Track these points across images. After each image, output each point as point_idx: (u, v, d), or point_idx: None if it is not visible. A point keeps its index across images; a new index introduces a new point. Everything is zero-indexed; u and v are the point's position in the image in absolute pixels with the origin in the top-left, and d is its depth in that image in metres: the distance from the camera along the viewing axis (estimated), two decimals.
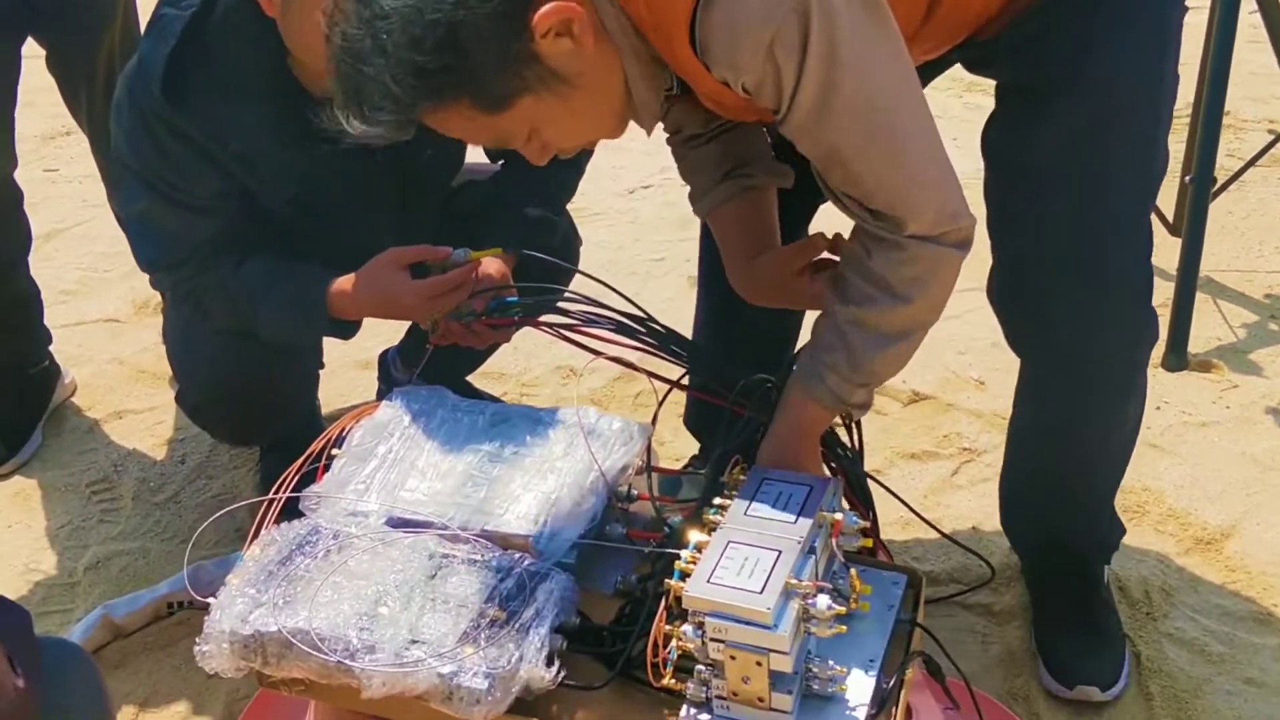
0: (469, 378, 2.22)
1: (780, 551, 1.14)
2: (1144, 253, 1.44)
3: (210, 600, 1.77)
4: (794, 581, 1.12)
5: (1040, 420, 1.57)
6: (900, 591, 1.30)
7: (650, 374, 1.50)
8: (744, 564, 1.13)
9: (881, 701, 1.17)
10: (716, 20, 1.08)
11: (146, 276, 1.78)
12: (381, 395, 2.31)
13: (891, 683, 1.19)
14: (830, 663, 1.14)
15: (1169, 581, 1.76)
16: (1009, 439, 1.66)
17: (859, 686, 1.17)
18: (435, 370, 1.73)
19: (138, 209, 1.69)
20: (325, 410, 2.20)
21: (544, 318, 1.55)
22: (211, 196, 1.66)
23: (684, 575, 1.15)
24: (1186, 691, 1.57)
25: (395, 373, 2.26)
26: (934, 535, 1.75)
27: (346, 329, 1.72)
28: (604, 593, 1.35)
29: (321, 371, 2.01)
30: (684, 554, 1.17)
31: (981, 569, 1.79)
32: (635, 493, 1.42)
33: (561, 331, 1.51)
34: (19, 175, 2.15)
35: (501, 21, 1.07)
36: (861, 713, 1.14)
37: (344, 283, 1.64)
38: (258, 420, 1.91)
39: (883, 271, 1.22)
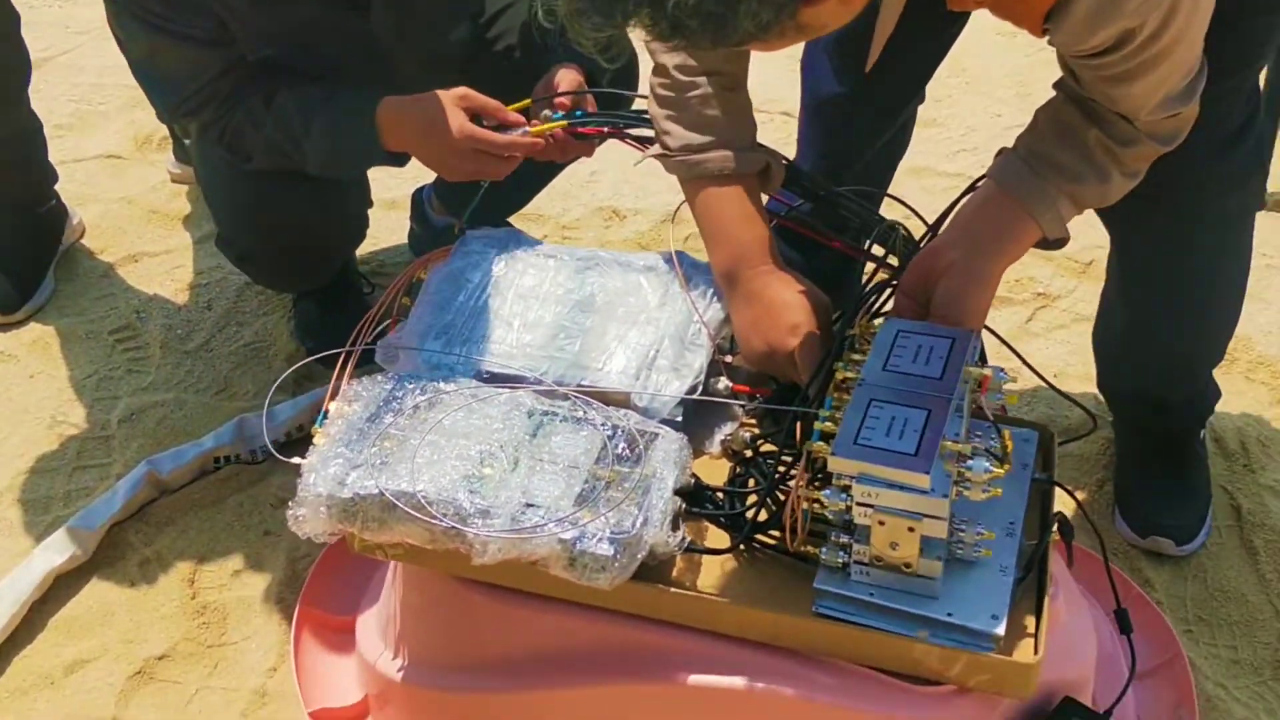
0: (511, 219, 2.09)
1: (930, 410, 1.05)
2: (1248, 94, 1.32)
3: (255, 454, 1.73)
4: (949, 443, 1.04)
5: (1146, 276, 1.47)
6: (1033, 449, 1.22)
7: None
8: (891, 424, 1.04)
9: (1028, 566, 1.11)
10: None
11: (152, 111, 1.63)
12: (415, 237, 2.18)
13: (1036, 545, 1.12)
14: (979, 528, 1.07)
15: (1264, 432, 1.70)
16: (1108, 295, 1.56)
17: (1002, 550, 1.10)
18: (479, 211, 1.59)
19: (142, 51, 1.54)
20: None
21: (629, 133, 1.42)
22: (210, 28, 1.49)
23: (825, 436, 1.06)
24: None
25: (431, 213, 2.12)
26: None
27: (401, 156, 1.58)
28: (710, 451, 1.26)
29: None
30: (822, 413, 1.08)
31: (1067, 419, 1.72)
32: (735, 345, 1.32)
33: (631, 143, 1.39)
34: None
35: None
36: (1009, 577, 1.08)
37: (395, 103, 1.50)
38: (309, 265, 1.79)
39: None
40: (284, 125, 1.53)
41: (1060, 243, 1.20)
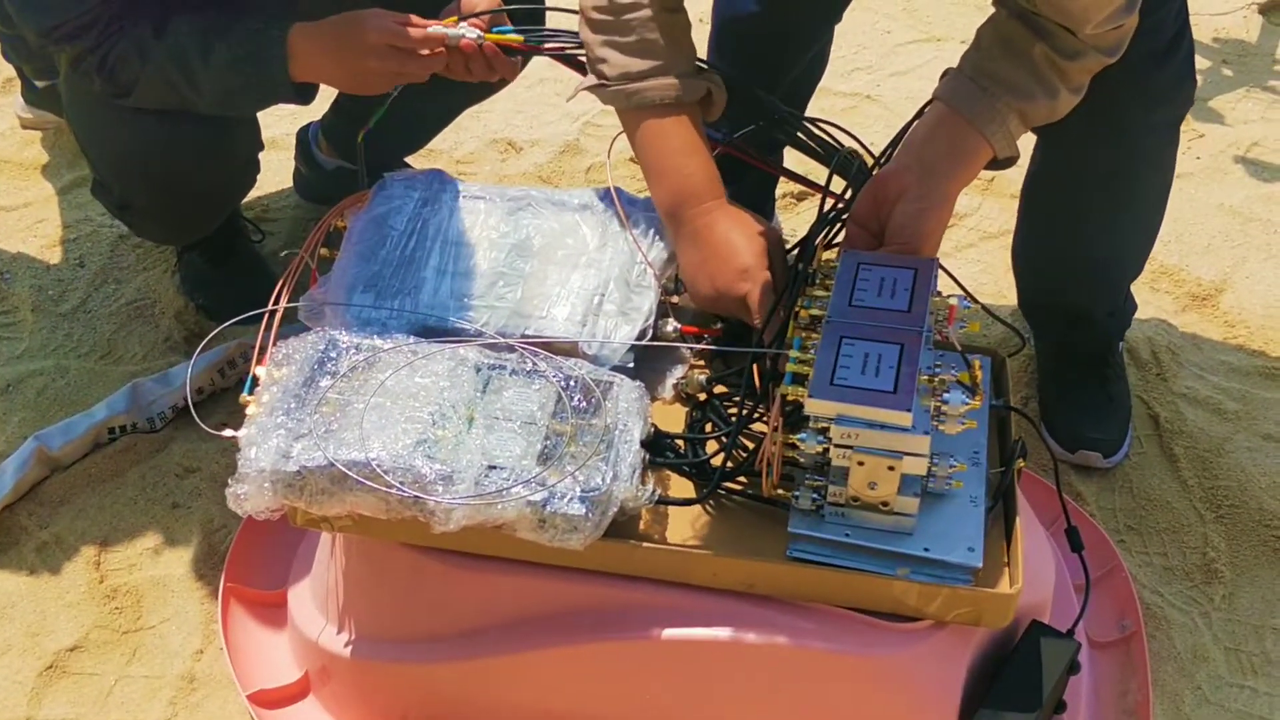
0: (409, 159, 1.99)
1: (903, 345, 1.02)
2: (1179, 5, 1.32)
3: (154, 421, 1.61)
4: (925, 378, 1.02)
5: (1077, 190, 1.47)
6: (988, 375, 1.22)
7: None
8: (865, 361, 1.01)
9: (996, 495, 1.11)
10: None
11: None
12: (302, 179, 2.05)
13: (1004, 473, 1.12)
14: (951, 460, 1.05)
15: (1173, 341, 1.75)
16: (1031, 211, 1.56)
17: (971, 480, 1.09)
18: (373, 150, 1.48)
19: None
20: None
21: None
22: None
23: (797, 378, 1.03)
24: (1209, 451, 1.57)
25: (319, 153, 1.99)
26: None
27: (306, 91, 1.46)
28: (662, 396, 1.22)
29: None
30: (793, 354, 1.05)
31: (986, 338, 1.73)
32: (681, 285, 1.27)
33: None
34: None
35: None
36: (981, 506, 1.07)
37: (307, 27, 1.38)
38: (196, 214, 1.65)
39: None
40: (178, 56, 1.39)
41: (1010, 161, 1.18)
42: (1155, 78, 1.31)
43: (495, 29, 1.37)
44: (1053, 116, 1.18)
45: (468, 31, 1.35)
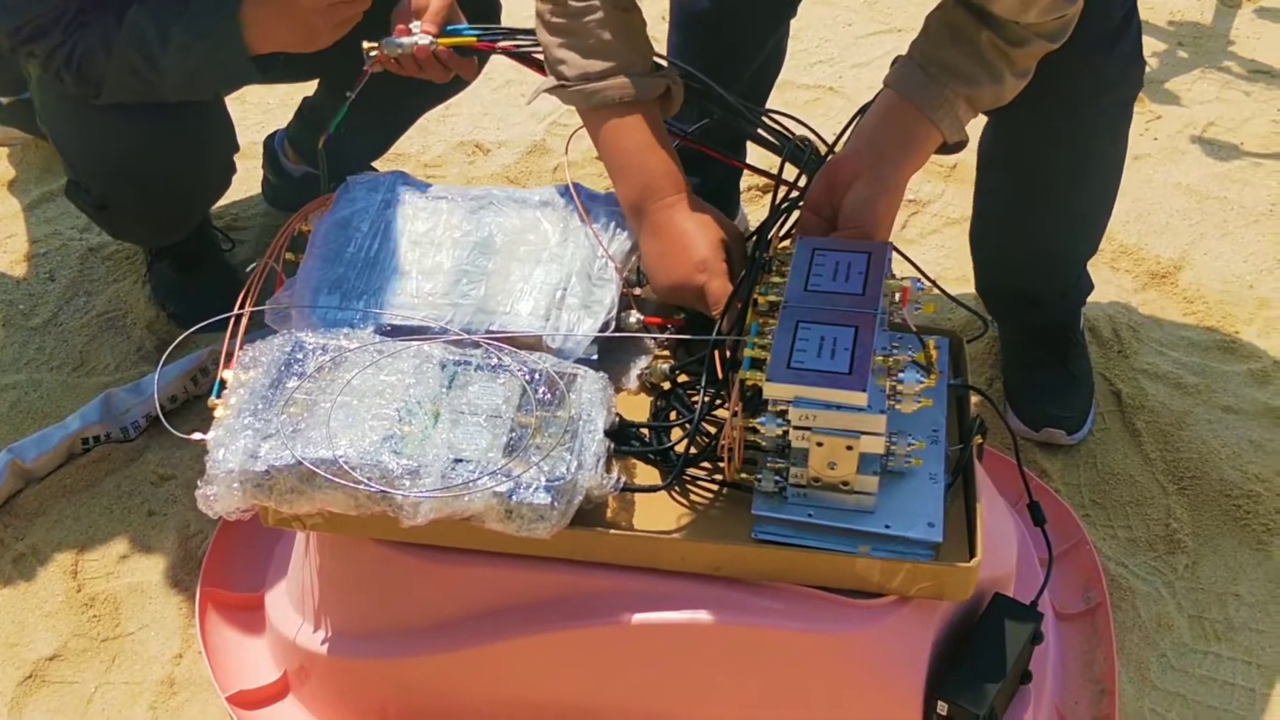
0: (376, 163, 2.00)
1: (858, 328, 1.04)
2: None
3: (127, 431, 1.62)
4: (880, 358, 1.04)
5: (1029, 173, 1.49)
6: (945, 355, 1.24)
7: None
8: (821, 344, 1.03)
9: (955, 471, 1.13)
10: None
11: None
12: (270, 188, 2.06)
13: (962, 450, 1.14)
14: (909, 439, 1.07)
15: (1133, 318, 1.78)
16: (985, 197, 1.58)
17: (930, 458, 1.11)
18: (339, 155, 1.50)
19: None
20: None
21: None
22: None
23: (756, 363, 1.05)
24: (1170, 425, 1.60)
25: (286, 161, 2.01)
26: None
27: (267, 66, 1.48)
28: (627, 387, 1.24)
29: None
30: (751, 340, 1.07)
31: (950, 321, 1.76)
32: (643, 276, 1.29)
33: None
34: None
35: None
36: (940, 483, 1.09)
37: (255, 2, 1.41)
38: (173, 212, 1.66)
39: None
40: (138, 40, 1.40)
41: (960, 146, 1.21)
42: (1104, 60, 1.33)
43: (450, 29, 1.38)
44: (999, 101, 1.20)
45: (420, 38, 1.36)
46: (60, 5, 1.39)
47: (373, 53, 1.38)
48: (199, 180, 1.66)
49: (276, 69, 1.50)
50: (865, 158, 1.16)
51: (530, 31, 1.34)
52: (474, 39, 1.37)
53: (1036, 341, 1.66)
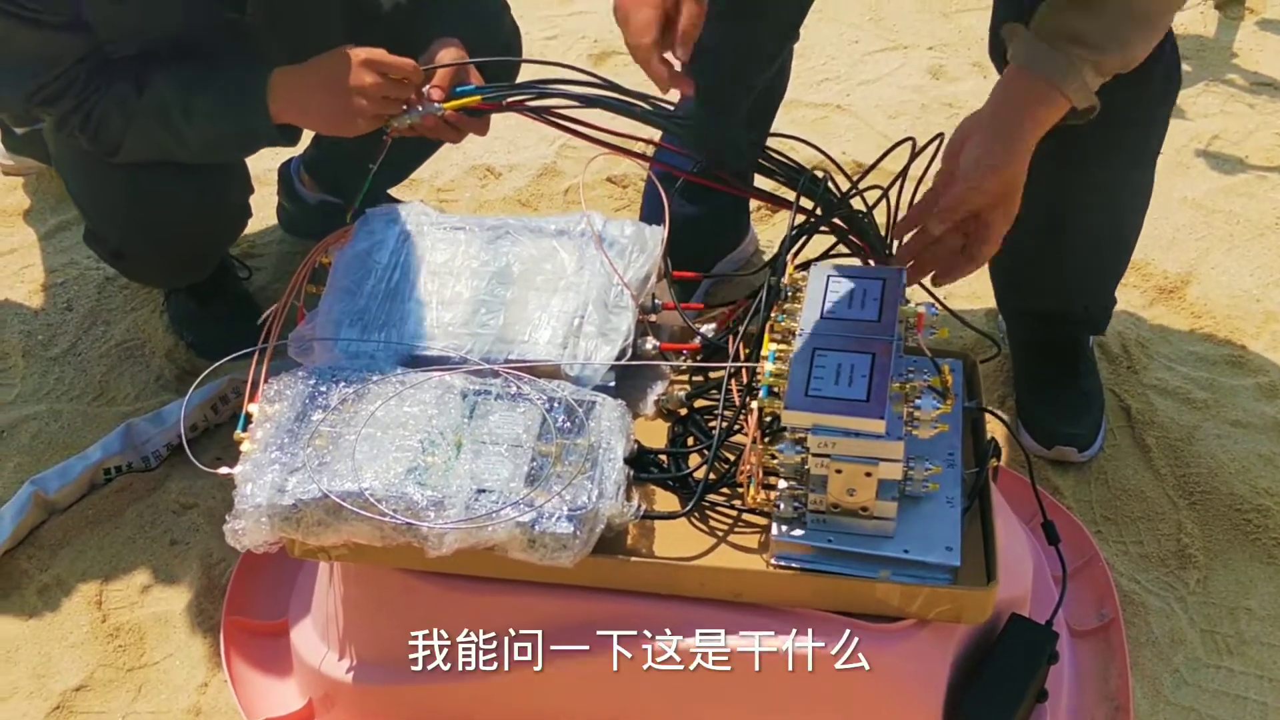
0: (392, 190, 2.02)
1: (874, 354, 1.06)
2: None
3: (149, 460, 1.64)
4: (897, 385, 1.05)
5: (1048, 197, 1.50)
6: (960, 378, 1.26)
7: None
8: (839, 372, 1.05)
9: (971, 494, 1.14)
10: None
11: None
12: (286, 214, 2.08)
13: (978, 473, 1.16)
14: (927, 464, 1.09)
15: (1142, 334, 1.79)
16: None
17: (946, 481, 1.13)
18: (356, 186, 1.51)
19: None
20: None
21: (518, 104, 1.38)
22: (68, 13, 1.38)
23: (774, 391, 1.07)
24: (1180, 440, 1.61)
25: (302, 188, 2.03)
26: None
27: (290, 133, 1.49)
28: (644, 413, 1.26)
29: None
30: (768, 368, 1.08)
31: (962, 339, 1.77)
32: (659, 303, 1.31)
33: (554, 116, 1.35)
34: None
35: None
36: (957, 507, 1.11)
37: (289, 70, 1.41)
38: (189, 260, 1.69)
39: None
40: (160, 111, 1.42)
41: (1091, 112, 1.20)
42: (1151, 70, 1.31)
43: (458, 89, 1.40)
44: (1128, 65, 1.19)
45: (430, 108, 1.38)
46: (73, 69, 1.40)
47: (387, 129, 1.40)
48: (216, 229, 1.68)
49: (300, 131, 1.52)
50: (983, 119, 1.19)
51: (535, 84, 1.36)
52: (478, 99, 1.39)
53: (1049, 359, 1.67)
